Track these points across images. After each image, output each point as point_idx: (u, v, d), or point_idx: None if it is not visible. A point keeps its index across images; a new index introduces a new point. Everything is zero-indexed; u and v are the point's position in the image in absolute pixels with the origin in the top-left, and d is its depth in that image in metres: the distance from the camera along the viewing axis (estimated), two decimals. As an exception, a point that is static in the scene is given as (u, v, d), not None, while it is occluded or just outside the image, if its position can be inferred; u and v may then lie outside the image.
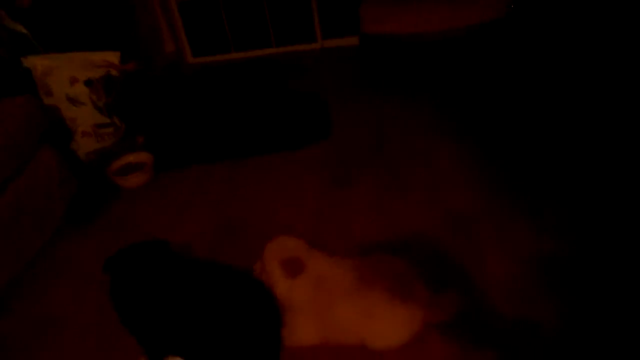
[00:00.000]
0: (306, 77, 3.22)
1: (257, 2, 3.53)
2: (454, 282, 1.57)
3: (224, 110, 2.60)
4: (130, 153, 2.52)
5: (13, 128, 1.92)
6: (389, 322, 1.34)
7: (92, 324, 1.68)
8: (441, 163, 2.20)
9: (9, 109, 1.98)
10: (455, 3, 2.69)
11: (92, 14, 2.93)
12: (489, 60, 2.77)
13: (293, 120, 2.55)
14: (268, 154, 2.48)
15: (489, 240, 1.73)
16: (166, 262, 1.44)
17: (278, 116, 2.56)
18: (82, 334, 1.65)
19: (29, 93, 2.27)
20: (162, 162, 2.49)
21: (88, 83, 2.50)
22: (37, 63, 2.45)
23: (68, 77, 2.46)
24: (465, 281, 1.58)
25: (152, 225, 2.11)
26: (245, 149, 2.52)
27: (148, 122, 2.67)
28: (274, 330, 1.38)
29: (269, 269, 1.42)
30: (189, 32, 3.71)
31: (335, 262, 1.44)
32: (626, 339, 1.33)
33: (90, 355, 1.57)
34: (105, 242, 2.04)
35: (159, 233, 2.02)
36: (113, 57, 2.61)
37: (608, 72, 2.37)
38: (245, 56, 3.72)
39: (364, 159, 2.33)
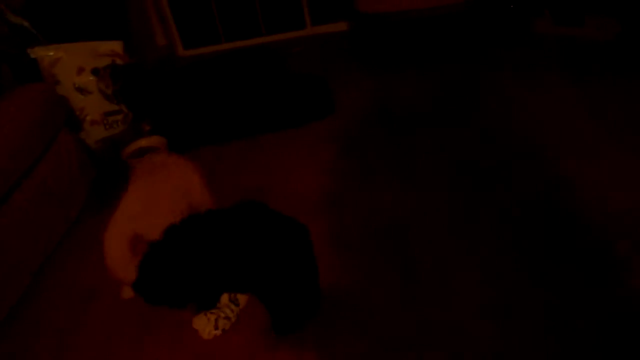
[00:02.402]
0: (300, 62, 3.32)
1: (246, -8, 3.62)
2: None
3: (228, 93, 2.68)
4: (142, 138, 2.57)
5: (38, 112, 1.97)
6: None
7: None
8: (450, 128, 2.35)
9: (31, 95, 2.02)
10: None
11: (86, 6, 2.98)
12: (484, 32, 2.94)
13: (297, 98, 2.65)
14: (276, 131, 2.58)
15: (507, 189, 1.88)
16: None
17: (282, 95, 2.65)
18: (118, 302, 1.72)
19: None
20: (173, 145, 2.55)
21: (95, 72, 2.55)
22: (43, 54, 2.48)
23: (75, 66, 2.51)
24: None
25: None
26: (253, 128, 2.61)
27: (153, 109, 2.72)
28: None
29: None
30: (179, 25, 3.76)
31: None
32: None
33: (130, 320, 1.64)
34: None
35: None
36: (117, 46, 2.67)
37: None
38: (236, 46, 3.80)
39: (369, 129, 2.45)
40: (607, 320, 1.31)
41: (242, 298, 1.55)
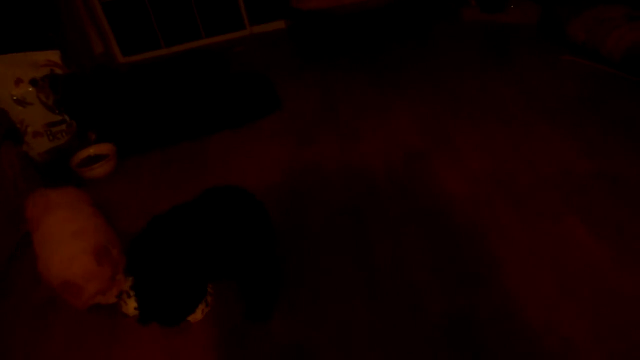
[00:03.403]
0: (242, 61, 3.37)
1: (182, -5, 3.63)
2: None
3: (172, 96, 2.68)
4: (90, 146, 2.55)
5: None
6: None
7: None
8: (390, 113, 2.46)
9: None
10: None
11: (17, 16, 2.91)
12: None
13: (241, 97, 2.69)
14: (223, 130, 2.62)
15: (440, 167, 2.01)
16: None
17: (225, 95, 2.68)
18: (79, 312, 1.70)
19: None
20: (122, 151, 2.55)
21: (33, 82, 2.49)
22: (-25, 67, 2.42)
23: (12, 77, 2.44)
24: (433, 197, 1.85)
25: (129, 207, 2.18)
26: (200, 129, 2.63)
27: (96, 117, 2.69)
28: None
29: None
30: (116, 32, 3.71)
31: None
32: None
33: (94, 326, 1.64)
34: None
35: (139, 212, 2.11)
36: (54, 56, 2.62)
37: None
38: (176, 50, 3.79)
39: (319, 120, 2.53)
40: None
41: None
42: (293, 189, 2.07)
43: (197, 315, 1.53)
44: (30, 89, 2.48)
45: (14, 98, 2.45)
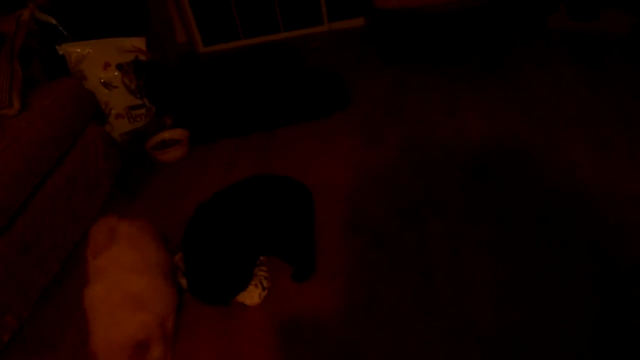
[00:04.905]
0: (318, 57, 3.39)
1: (265, -12, 3.70)
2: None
3: (246, 87, 2.75)
4: (165, 131, 2.67)
5: (70, 105, 2.07)
6: None
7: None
8: (462, 119, 2.39)
9: (64, 88, 2.12)
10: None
11: (109, 4, 3.08)
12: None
13: (312, 92, 2.71)
14: (292, 124, 2.65)
15: (510, 175, 1.93)
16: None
17: (297, 89, 2.71)
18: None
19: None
20: (194, 138, 2.64)
21: (119, 67, 2.64)
22: (70, 50, 2.58)
23: (101, 62, 2.60)
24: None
25: (196, 192, 2.25)
26: (270, 121, 2.68)
27: (175, 103, 2.81)
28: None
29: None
30: (199, 22, 3.85)
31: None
32: None
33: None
34: (154, 209, 2.20)
35: (204, 197, 2.18)
36: (140, 42, 2.76)
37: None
38: (255, 42, 3.88)
39: (388, 120, 2.51)
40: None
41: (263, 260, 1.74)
42: (355, 186, 2.06)
43: (255, 299, 1.57)
44: (116, 73, 2.63)
45: (102, 81, 2.61)
